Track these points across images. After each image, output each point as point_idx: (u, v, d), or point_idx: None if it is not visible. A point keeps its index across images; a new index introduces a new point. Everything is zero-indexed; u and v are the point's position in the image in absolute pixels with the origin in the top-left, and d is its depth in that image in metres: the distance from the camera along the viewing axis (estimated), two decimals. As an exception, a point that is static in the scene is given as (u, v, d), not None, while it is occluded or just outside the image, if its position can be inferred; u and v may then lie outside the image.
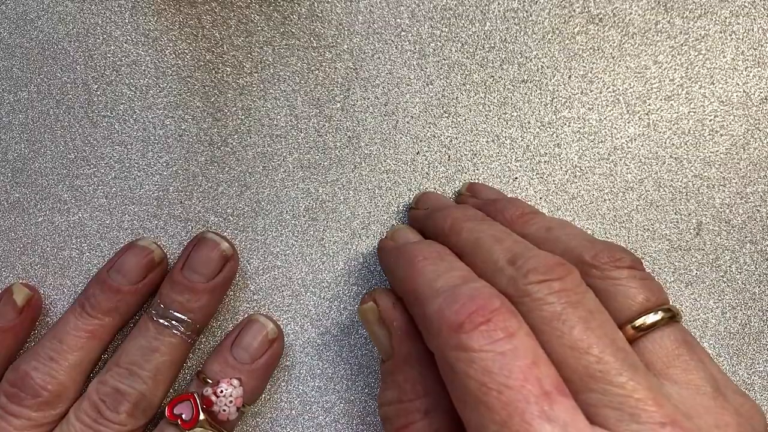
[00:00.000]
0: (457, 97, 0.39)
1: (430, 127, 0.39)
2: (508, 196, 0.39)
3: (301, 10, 0.39)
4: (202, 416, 0.35)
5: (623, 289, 0.30)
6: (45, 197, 0.39)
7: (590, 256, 0.30)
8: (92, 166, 0.39)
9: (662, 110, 0.39)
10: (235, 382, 0.36)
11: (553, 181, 0.39)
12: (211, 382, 0.36)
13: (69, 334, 0.36)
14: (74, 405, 0.36)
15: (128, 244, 0.38)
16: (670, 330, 0.29)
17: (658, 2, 0.39)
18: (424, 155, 0.39)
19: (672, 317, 0.29)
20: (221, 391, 0.35)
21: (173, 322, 0.36)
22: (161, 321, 0.36)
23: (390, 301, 0.32)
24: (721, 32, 0.39)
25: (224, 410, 0.35)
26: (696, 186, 0.39)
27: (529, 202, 0.39)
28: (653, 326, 0.29)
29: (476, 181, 0.39)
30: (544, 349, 0.27)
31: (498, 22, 0.39)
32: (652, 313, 0.29)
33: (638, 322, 0.29)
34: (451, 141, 0.39)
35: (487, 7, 0.39)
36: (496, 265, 0.30)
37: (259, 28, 0.39)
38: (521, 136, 0.39)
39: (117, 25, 0.39)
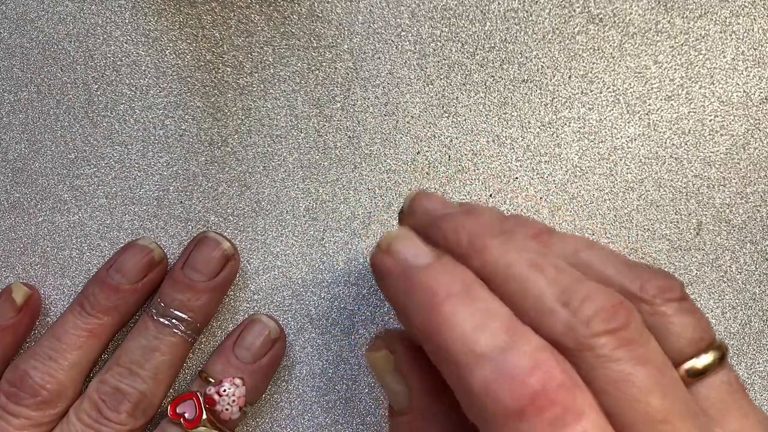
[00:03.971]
0: (457, 97, 0.39)
1: (430, 127, 0.39)
2: (507, 196, 0.39)
3: (301, 10, 0.39)
4: (204, 415, 0.35)
5: (676, 327, 0.26)
6: (45, 197, 0.39)
7: (637, 288, 0.26)
8: (92, 166, 0.39)
9: (662, 110, 0.39)
10: (238, 381, 0.36)
11: (553, 181, 0.39)
12: (213, 381, 0.36)
13: (68, 333, 0.36)
14: (74, 404, 0.36)
15: (128, 244, 0.38)
16: (723, 373, 0.27)
17: (658, 2, 0.39)
18: (424, 155, 0.39)
19: (722, 357, 0.27)
20: (224, 391, 0.35)
21: (173, 320, 0.36)
22: (161, 320, 0.36)
23: (408, 348, 0.27)
24: (721, 32, 0.39)
25: (227, 409, 0.35)
26: (696, 186, 0.39)
27: (529, 202, 0.39)
28: (706, 370, 0.26)
29: (475, 180, 0.39)
30: (604, 409, 0.23)
31: (498, 22, 0.39)
32: (704, 355, 0.26)
33: (689, 365, 0.26)
34: (451, 141, 0.39)
35: (487, 7, 0.39)
36: (543, 305, 0.24)
37: (260, 28, 0.39)
38: (521, 136, 0.39)
39: (117, 26, 0.39)
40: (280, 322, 0.38)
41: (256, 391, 0.37)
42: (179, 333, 0.36)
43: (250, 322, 0.38)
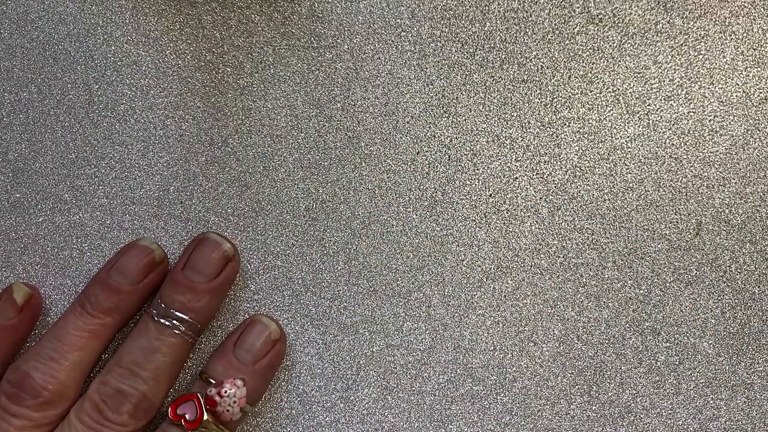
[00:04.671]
0: (457, 97, 0.39)
1: (430, 127, 0.39)
2: (507, 196, 0.39)
3: (301, 10, 0.39)
4: (205, 416, 0.35)
5: None
6: (46, 197, 0.39)
7: None
8: (93, 166, 0.39)
9: (662, 110, 0.39)
10: (239, 382, 0.36)
11: (553, 181, 0.39)
12: (214, 382, 0.36)
13: (69, 334, 0.36)
14: (75, 406, 0.36)
15: (129, 244, 0.38)
16: None
17: (658, 2, 0.39)
18: (424, 155, 0.39)
19: None
20: (225, 392, 0.35)
21: (174, 321, 0.36)
22: (162, 321, 0.36)
23: None
24: (720, 32, 0.39)
25: (228, 411, 0.35)
26: (696, 186, 0.39)
27: (529, 203, 0.39)
28: None
29: (475, 180, 0.39)
30: None
31: (498, 22, 0.39)
32: None
33: None
34: (451, 141, 0.39)
35: (487, 8, 0.39)
36: None
37: (260, 28, 0.39)
38: (521, 136, 0.39)
39: (118, 26, 0.39)
40: (281, 322, 0.38)
41: (257, 391, 0.37)
42: (180, 334, 0.36)
43: (250, 323, 0.38)
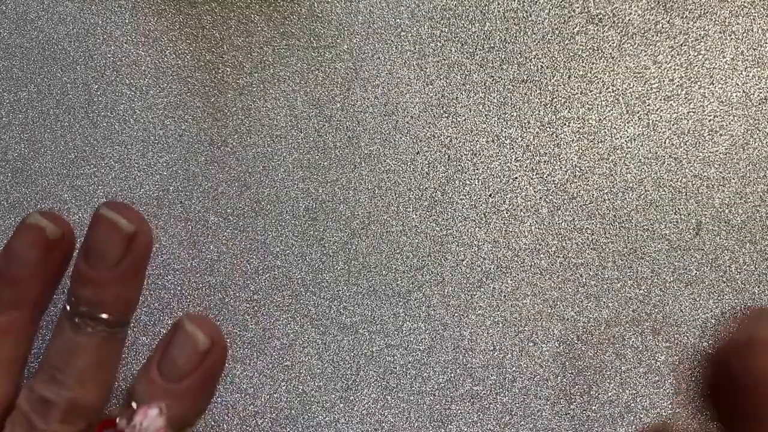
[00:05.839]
0: (457, 97, 0.39)
1: (430, 127, 0.39)
2: (507, 196, 0.39)
3: (301, 10, 0.39)
4: None
5: None
6: (45, 197, 0.39)
7: None
8: (92, 166, 0.39)
9: (662, 110, 0.39)
10: (154, 412, 0.31)
11: (553, 181, 0.39)
12: (134, 405, 0.31)
13: None
14: (9, 417, 0.32)
15: (18, 225, 0.32)
16: None
17: (658, 2, 0.39)
18: (424, 155, 0.39)
19: None
20: (134, 425, 0.31)
21: (87, 319, 0.31)
22: (75, 319, 0.31)
23: None
24: (720, 32, 0.39)
25: None
26: (695, 186, 0.39)
27: (528, 203, 0.39)
28: None
29: (475, 180, 0.39)
30: None
31: (498, 22, 0.39)
32: None
33: None
34: (451, 141, 0.39)
35: (487, 7, 0.39)
36: None
37: (259, 28, 0.39)
38: (521, 136, 0.39)
39: (117, 26, 0.39)
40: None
41: (188, 415, 0.32)
42: (94, 332, 0.31)
43: (174, 330, 0.32)
